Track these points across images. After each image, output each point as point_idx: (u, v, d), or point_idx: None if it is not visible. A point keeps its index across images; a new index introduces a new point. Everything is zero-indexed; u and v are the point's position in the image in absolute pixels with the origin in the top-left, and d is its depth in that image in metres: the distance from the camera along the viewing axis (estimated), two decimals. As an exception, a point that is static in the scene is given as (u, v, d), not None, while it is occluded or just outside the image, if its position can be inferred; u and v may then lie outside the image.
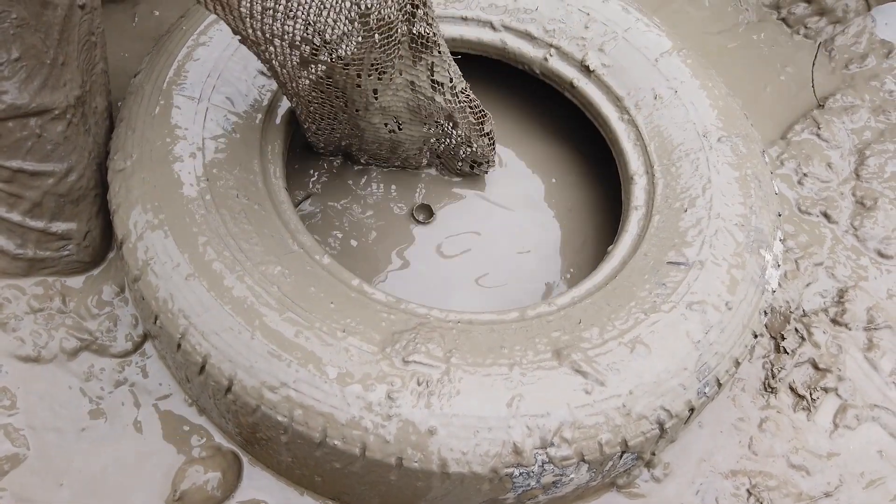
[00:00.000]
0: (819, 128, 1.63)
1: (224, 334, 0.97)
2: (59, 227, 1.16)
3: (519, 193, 1.49)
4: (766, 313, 1.15)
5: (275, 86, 1.26)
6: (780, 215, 1.25)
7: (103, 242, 1.25)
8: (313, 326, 0.98)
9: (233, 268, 1.01)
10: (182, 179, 1.08)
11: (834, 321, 1.38)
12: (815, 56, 1.70)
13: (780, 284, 1.35)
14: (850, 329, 1.37)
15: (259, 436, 1.01)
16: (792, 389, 1.30)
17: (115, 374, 1.16)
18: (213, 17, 1.27)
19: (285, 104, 1.27)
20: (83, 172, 1.14)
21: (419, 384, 0.95)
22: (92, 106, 1.14)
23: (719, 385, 1.07)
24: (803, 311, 1.39)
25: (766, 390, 1.30)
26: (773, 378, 1.30)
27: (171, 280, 1.00)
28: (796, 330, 1.35)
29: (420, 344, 0.99)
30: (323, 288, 1.04)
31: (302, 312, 0.99)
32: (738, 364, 1.09)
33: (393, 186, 1.43)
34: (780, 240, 1.21)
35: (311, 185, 1.39)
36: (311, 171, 1.41)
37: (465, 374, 0.97)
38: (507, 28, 1.44)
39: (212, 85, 1.20)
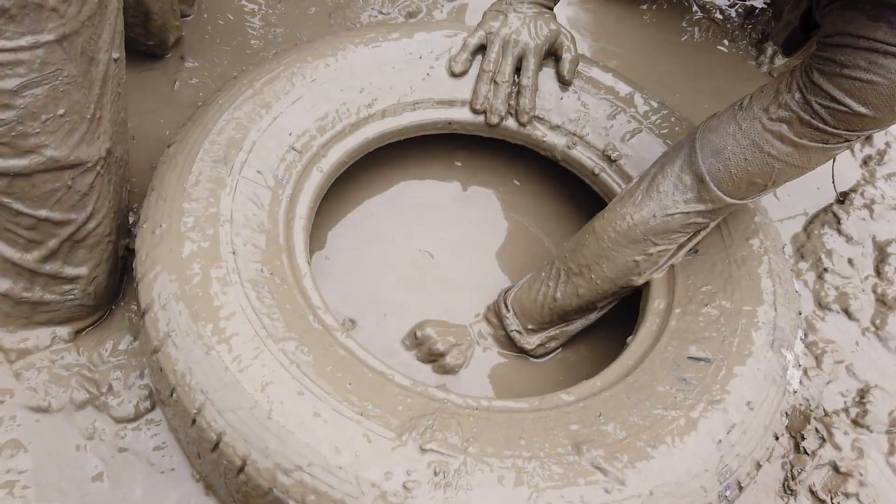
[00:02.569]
0: (840, 223, 1.64)
1: (240, 412, 0.95)
2: (69, 271, 1.17)
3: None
4: (787, 414, 1.13)
5: (305, 161, 1.29)
6: (800, 314, 1.24)
7: (107, 288, 1.25)
8: (331, 408, 0.97)
9: (254, 344, 1.01)
10: (209, 252, 1.09)
11: (855, 422, 1.36)
12: (835, 153, 1.72)
13: (801, 383, 1.34)
14: (871, 431, 1.35)
15: (268, 519, 0.99)
16: (812, 493, 1.26)
17: (120, 441, 1.15)
18: (249, 91, 1.30)
19: (314, 178, 1.29)
20: (101, 220, 1.16)
21: (436, 474, 0.93)
22: (115, 156, 1.17)
23: (740, 488, 1.04)
24: (824, 410, 1.36)
25: (785, 492, 1.26)
26: (793, 480, 1.27)
27: (192, 354, 1.00)
28: (816, 430, 1.33)
29: (438, 431, 0.97)
30: (341, 368, 1.04)
31: (320, 393, 0.98)
32: (759, 467, 1.07)
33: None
34: (801, 339, 1.20)
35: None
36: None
37: (482, 466, 0.95)
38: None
39: (244, 159, 1.22)
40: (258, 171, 1.22)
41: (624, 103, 1.46)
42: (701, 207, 1.17)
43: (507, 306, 1.37)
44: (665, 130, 1.44)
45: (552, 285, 1.31)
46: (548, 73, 1.46)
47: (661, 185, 1.19)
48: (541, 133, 1.47)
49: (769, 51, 1.93)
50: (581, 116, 1.46)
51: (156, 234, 1.12)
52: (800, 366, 1.17)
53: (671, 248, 1.23)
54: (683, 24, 1.97)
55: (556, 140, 1.47)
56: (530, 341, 1.36)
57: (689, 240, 1.24)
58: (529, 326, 1.36)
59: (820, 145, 1.06)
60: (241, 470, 0.95)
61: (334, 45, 1.41)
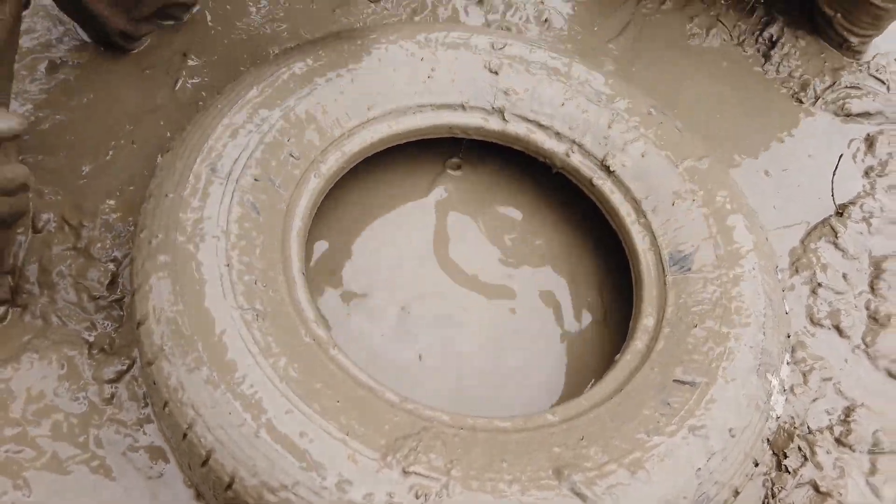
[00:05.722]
0: (837, 236, 1.64)
1: (230, 429, 0.98)
2: None
3: (530, 282, 1.51)
4: (768, 441, 1.15)
5: (303, 169, 1.29)
6: (789, 336, 1.25)
7: None
8: (318, 427, 0.99)
9: (245, 360, 1.03)
10: (204, 264, 1.11)
11: (838, 441, 1.37)
12: (837, 165, 1.71)
13: (787, 401, 1.35)
14: (854, 451, 1.36)
15: (255, 533, 1.02)
16: (792, 512, 1.29)
17: (122, 440, 1.18)
18: (249, 95, 1.30)
19: (311, 187, 1.30)
20: None
21: (417, 497, 0.95)
22: None
23: (717, 514, 1.07)
24: (808, 428, 1.38)
25: (765, 510, 1.29)
26: (773, 498, 1.29)
27: (184, 368, 1.02)
28: (799, 448, 1.35)
29: (422, 453, 0.99)
30: (331, 384, 1.06)
31: (308, 412, 1.00)
32: (737, 493, 1.09)
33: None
34: (788, 363, 1.22)
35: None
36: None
37: (463, 489, 0.97)
38: (531, 121, 1.47)
39: (242, 166, 1.23)
40: (255, 179, 1.23)
41: (625, 112, 1.45)
42: None
43: None
44: (664, 140, 1.43)
45: None
46: (548, 79, 1.46)
47: None
48: (540, 139, 1.46)
49: (775, 58, 1.91)
50: (581, 124, 1.45)
51: (152, 244, 1.13)
52: (785, 391, 1.18)
53: None
54: (690, 26, 1.94)
55: (555, 147, 1.46)
56: None
57: None
58: None
59: None
60: (229, 486, 0.98)
61: (336, 48, 1.40)
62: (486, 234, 1.55)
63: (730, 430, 1.10)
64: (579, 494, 0.99)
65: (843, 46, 1.92)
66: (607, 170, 1.43)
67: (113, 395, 1.20)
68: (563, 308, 1.48)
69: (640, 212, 1.39)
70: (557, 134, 1.46)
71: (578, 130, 1.45)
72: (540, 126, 1.47)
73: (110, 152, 1.43)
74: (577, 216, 1.58)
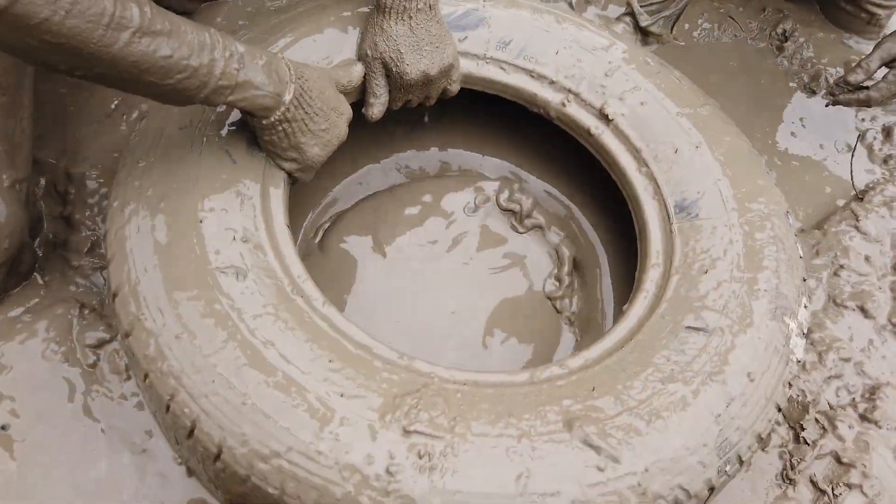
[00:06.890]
0: (857, 220, 1.58)
1: (214, 398, 0.91)
2: None
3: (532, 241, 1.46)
4: (790, 385, 1.08)
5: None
6: (805, 280, 1.19)
7: None
8: (310, 389, 0.92)
9: (226, 322, 0.96)
10: (179, 223, 1.03)
11: (863, 417, 1.31)
12: (854, 148, 1.65)
13: (803, 359, 1.29)
14: (880, 427, 1.30)
15: (249, 505, 0.95)
16: (812, 483, 1.22)
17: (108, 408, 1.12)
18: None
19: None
20: None
21: (420, 457, 0.89)
22: None
23: (741, 462, 1.00)
24: (828, 403, 1.32)
25: (784, 481, 1.22)
26: (792, 469, 1.23)
27: (162, 337, 0.95)
28: (816, 420, 1.28)
29: (423, 411, 0.93)
30: (322, 343, 0.98)
31: (298, 374, 0.93)
32: (760, 439, 1.03)
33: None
34: (805, 306, 1.15)
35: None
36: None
37: (469, 446, 0.91)
38: (523, 70, 1.39)
39: (209, 118, 1.14)
40: (228, 124, 1.15)
41: (622, 61, 1.38)
42: None
43: None
44: (664, 87, 1.36)
45: None
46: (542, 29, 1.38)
47: None
48: (532, 89, 1.39)
49: (788, 49, 1.86)
50: (577, 73, 1.38)
51: (125, 212, 1.06)
52: (804, 334, 1.12)
53: None
54: (701, 21, 1.89)
55: (550, 96, 1.39)
56: None
57: None
58: None
59: None
60: (217, 457, 0.91)
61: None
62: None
63: (748, 374, 1.03)
64: (593, 446, 0.93)
65: (870, 22, 1.89)
66: (606, 118, 1.36)
67: (96, 363, 1.15)
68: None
69: (640, 160, 1.32)
70: (552, 83, 1.39)
71: (574, 80, 1.38)
72: (534, 76, 1.39)
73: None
74: (573, 171, 1.52)
